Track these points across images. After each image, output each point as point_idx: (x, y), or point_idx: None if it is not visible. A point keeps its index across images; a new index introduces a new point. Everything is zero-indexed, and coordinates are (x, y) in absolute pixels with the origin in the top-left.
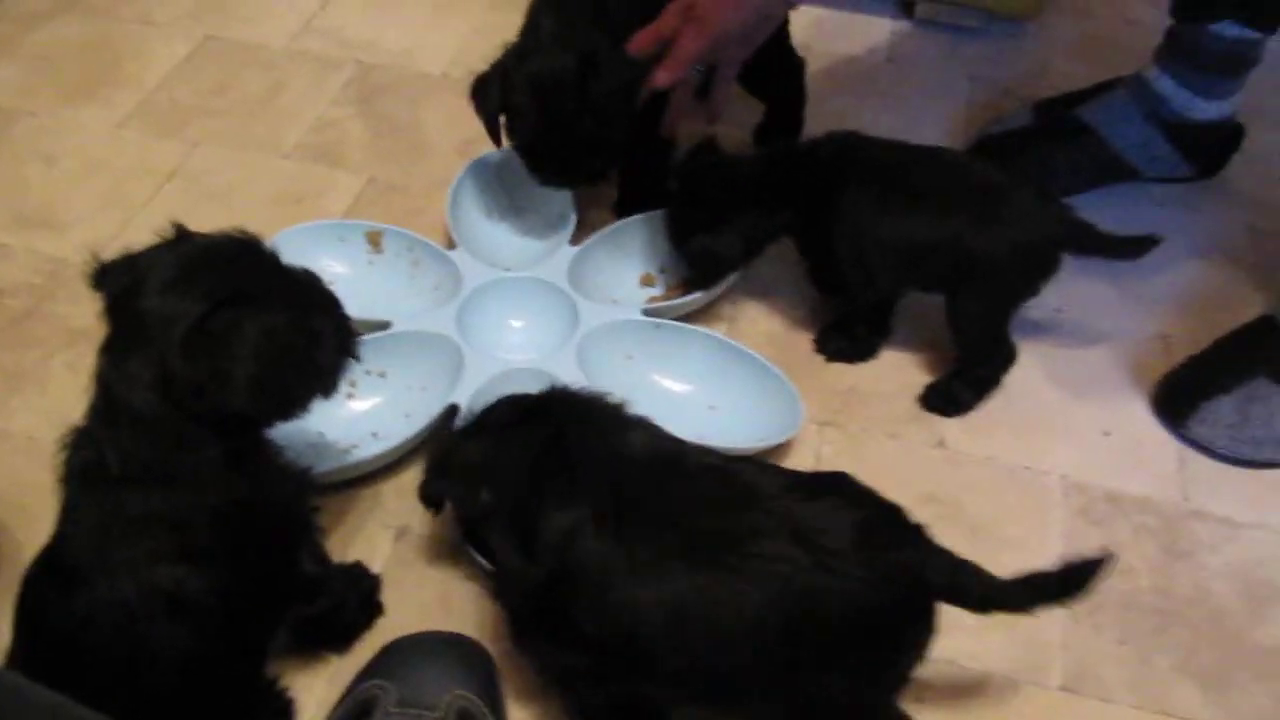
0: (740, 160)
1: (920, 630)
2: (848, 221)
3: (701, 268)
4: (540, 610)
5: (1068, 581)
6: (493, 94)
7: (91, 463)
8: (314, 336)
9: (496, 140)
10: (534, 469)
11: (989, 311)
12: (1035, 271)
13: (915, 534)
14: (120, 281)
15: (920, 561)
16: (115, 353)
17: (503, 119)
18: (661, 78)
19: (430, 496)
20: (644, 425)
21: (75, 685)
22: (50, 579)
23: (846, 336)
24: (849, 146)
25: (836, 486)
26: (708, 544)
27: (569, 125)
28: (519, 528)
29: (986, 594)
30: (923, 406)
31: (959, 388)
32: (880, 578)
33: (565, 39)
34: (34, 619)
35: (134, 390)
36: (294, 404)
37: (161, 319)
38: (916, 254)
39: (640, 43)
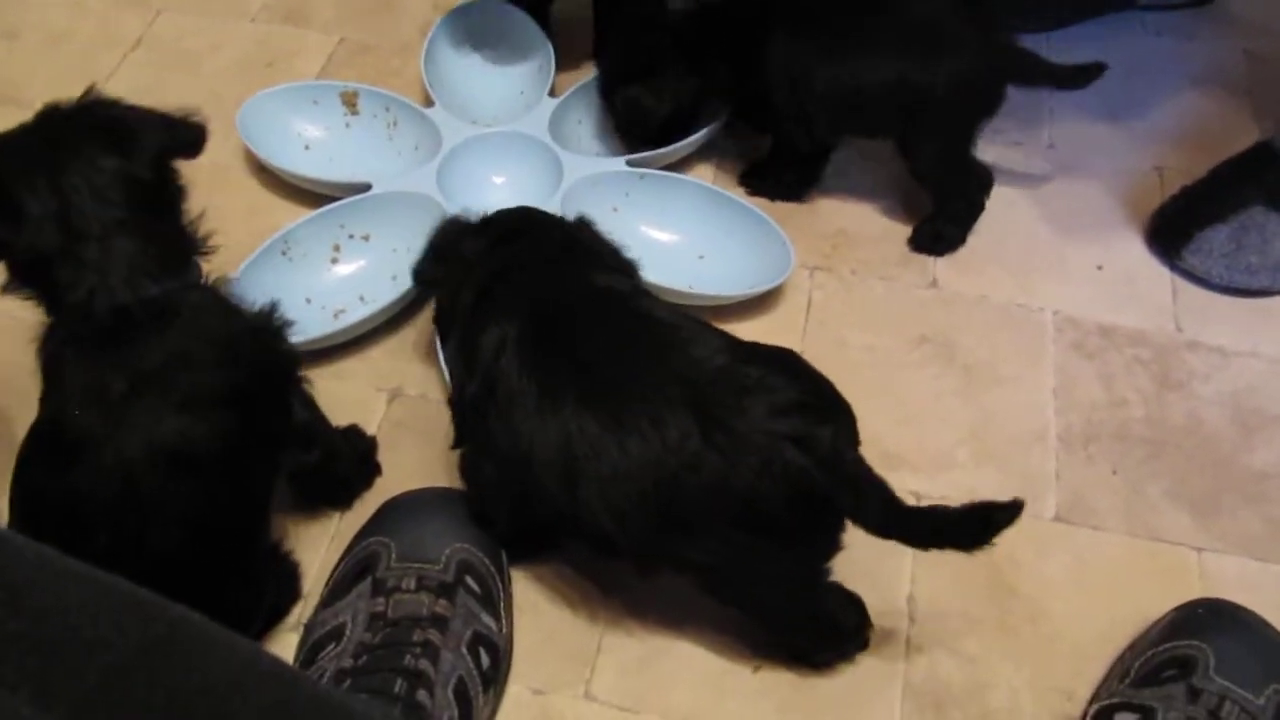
0: (672, 12)
1: (811, 530)
2: (781, 73)
3: (627, 119)
4: (471, 422)
5: (975, 526)
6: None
7: (83, 329)
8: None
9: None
10: (485, 289)
11: (944, 149)
12: (980, 104)
13: (836, 430)
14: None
15: (821, 465)
16: (51, 219)
17: None
18: None
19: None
20: (616, 270)
21: (79, 556)
22: (48, 457)
23: (773, 178)
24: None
25: (769, 361)
26: (603, 391)
27: (650, 129)
28: (467, 342)
29: (886, 521)
30: (912, 249)
31: (942, 224)
32: (768, 470)
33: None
34: (33, 497)
35: (97, 230)
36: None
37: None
38: (857, 99)
39: None
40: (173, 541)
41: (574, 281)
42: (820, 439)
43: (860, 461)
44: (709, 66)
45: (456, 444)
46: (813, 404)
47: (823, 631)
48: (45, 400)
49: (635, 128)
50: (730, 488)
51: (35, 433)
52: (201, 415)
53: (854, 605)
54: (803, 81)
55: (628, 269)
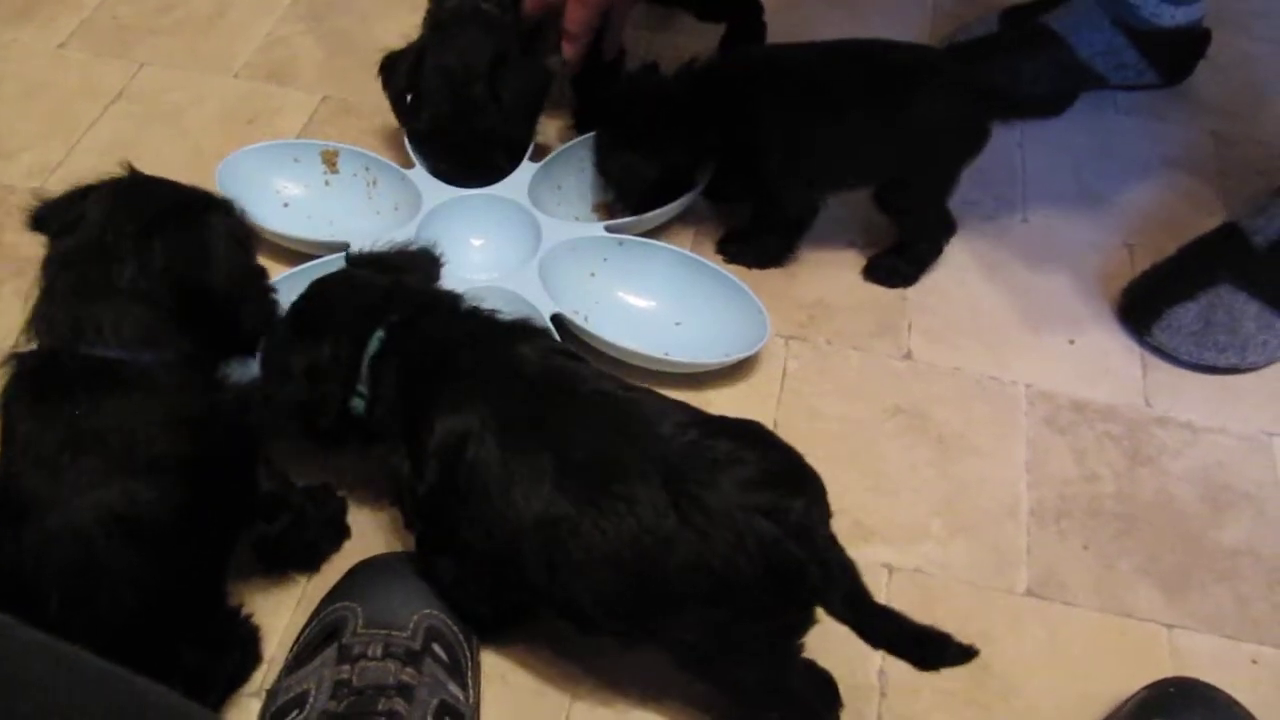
0: (663, 80)
1: (785, 605)
2: (777, 133)
3: (620, 185)
4: (427, 516)
5: (922, 647)
6: (401, 74)
7: (39, 374)
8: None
9: (401, 119)
10: (425, 374)
11: (926, 189)
12: (967, 143)
13: (806, 505)
14: (62, 217)
15: (794, 539)
16: (69, 260)
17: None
18: (567, 51)
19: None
20: (536, 338)
21: (29, 618)
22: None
23: (756, 244)
24: (758, 59)
25: (737, 434)
26: (577, 475)
27: (475, 121)
28: (408, 435)
29: (844, 605)
30: (865, 277)
31: (902, 262)
32: (741, 545)
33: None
34: None
35: (100, 285)
36: (250, 310)
37: (117, 223)
38: (851, 153)
39: (531, 6)
40: (124, 606)
41: (511, 361)
42: (792, 511)
43: (832, 539)
44: (701, 130)
45: (418, 545)
46: (783, 476)
47: (794, 710)
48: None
49: (629, 193)
50: (706, 564)
51: None
52: (150, 482)
53: (826, 684)
54: (801, 140)
55: (546, 334)
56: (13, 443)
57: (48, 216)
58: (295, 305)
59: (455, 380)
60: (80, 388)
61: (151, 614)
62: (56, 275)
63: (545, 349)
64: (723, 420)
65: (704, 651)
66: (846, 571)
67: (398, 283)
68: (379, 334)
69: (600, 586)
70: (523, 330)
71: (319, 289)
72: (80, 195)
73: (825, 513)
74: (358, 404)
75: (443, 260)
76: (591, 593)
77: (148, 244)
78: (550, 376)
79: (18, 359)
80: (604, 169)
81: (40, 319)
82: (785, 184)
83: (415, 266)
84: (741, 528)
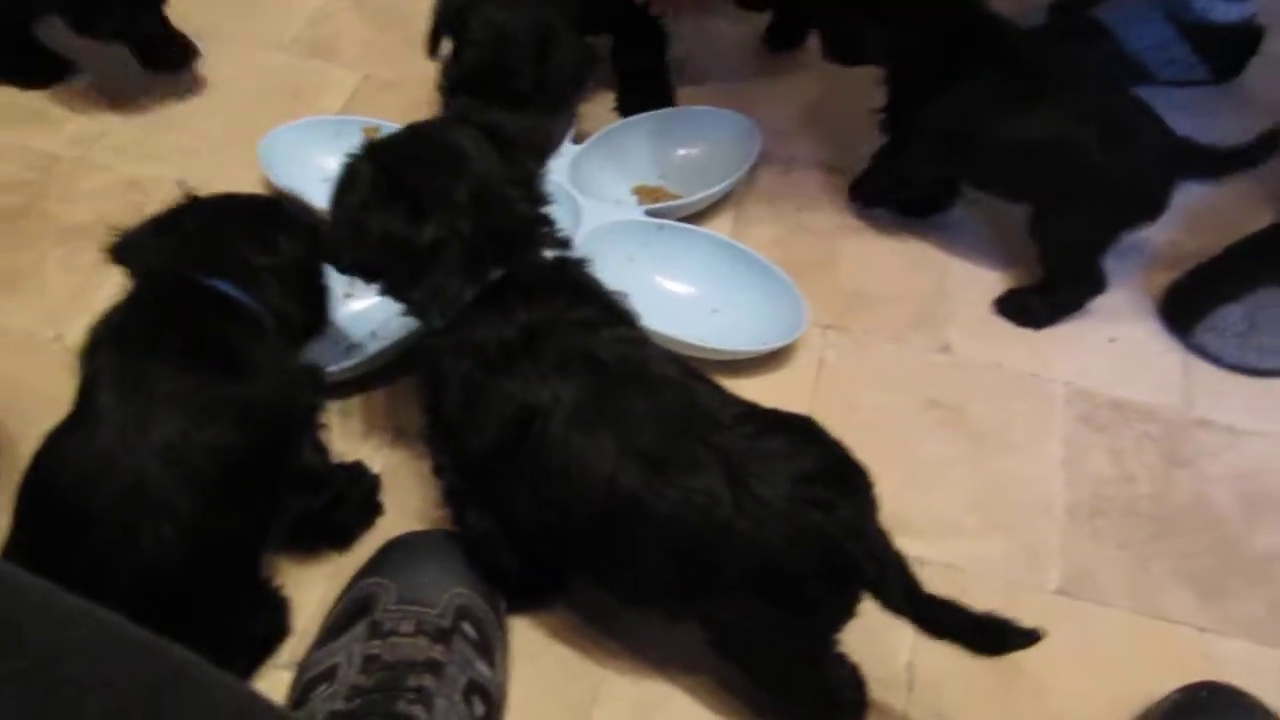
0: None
1: (832, 598)
2: (954, 106)
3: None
4: (474, 474)
5: (983, 635)
6: (451, 11)
7: (123, 327)
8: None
9: (432, 49)
10: (503, 341)
11: (1094, 234)
12: (1153, 199)
13: (857, 501)
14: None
15: (846, 534)
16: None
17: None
18: None
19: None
20: (620, 325)
21: (77, 543)
22: (71, 425)
23: (874, 173)
24: (977, 20)
25: (791, 428)
26: (640, 458)
27: (508, 79)
28: (472, 393)
29: (903, 598)
30: (995, 310)
31: (1039, 302)
32: (797, 538)
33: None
34: (50, 464)
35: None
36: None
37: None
38: (1026, 157)
39: None
40: (165, 546)
41: (590, 344)
42: (846, 506)
43: (883, 534)
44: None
45: (448, 496)
46: (836, 472)
47: (822, 701)
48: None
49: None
50: (761, 554)
51: (58, 435)
52: (207, 426)
53: (854, 679)
54: (977, 124)
55: (632, 321)
56: (90, 388)
57: (128, 256)
58: (399, 149)
59: (535, 355)
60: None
61: (189, 563)
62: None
63: (623, 337)
64: (776, 414)
65: (745, 637)
66: (899, 567)
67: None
68: (498, 274)
69: (653, 567)
70: (616, 315)
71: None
72: (153, 230)
73: (875, 508)
74: (435, 320)
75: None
76: (644, 572)
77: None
78: (624, 362)
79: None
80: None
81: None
82: (936, 158)
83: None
84: (798, 521)
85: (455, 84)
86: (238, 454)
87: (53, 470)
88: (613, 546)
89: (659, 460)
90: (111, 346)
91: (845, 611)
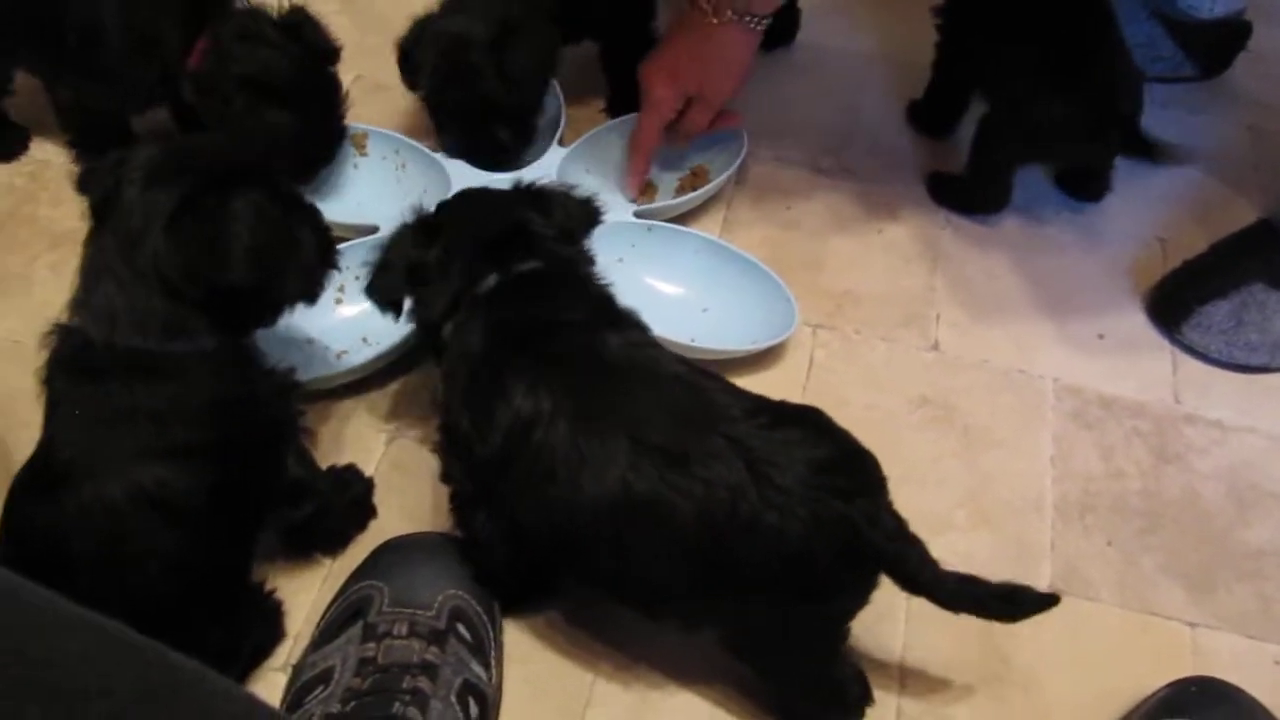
0: None
1: (852, 584)
2: (1007, 83)
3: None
4: (479, 478)
5: (1005, 603)
6: (406, 38)
7: (77, 356)
8: (300, 211)
9: (409, 84)
10: (503, 346)
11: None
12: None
13: (872, 488)
14: (104, 182)
15: (866, 520)
16: (103, 244)
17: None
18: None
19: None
20: (629, 329)
21: (62, 588)
22: (38, 483)
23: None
24: None
25: (803, 420)
26: (655, 457)
27: (469, 86)
28: (479, 398)
29: (922, 578)
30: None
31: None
32: (819, 525)
33: (490, 5)
34: (22, 524)
35: (127, 274)
36: (285, 287)
37: (148, 205)
38: (1070, 132)
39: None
40: (152, 580)
41: (595, 346)
42: (862, 494)
43: (898, 516)
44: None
45: (455, 507)
46: (850, 461)
47: (830, 699)
48: (45, 423)
49: None
50: (784, 543)
51: (34, 456)
52: (180, 466)
53: (859, 676)
54: (1029, 104)
55: (634, 319)
56: (53, 418)
57: (91, 183)
58: (440, 204)
59: (538, 359)
60: (113, 375)
61: (177, 589)
62: (90, 259)
63: (632, 341)
64: (786, 406)
65: (762, 634)
66: (917, 547)
67: (530, 223)
68: (493, 279)
69: (673, 566)
70: (622, 319)
71: (463, 199)
72: (120, 161)
73: (887, 495)
74: (448, 331)
75: (598, 211)
76: (663, 573)
77: (172, 234)
78: (631, 363)
79: (60, 335)
80: None
81: (78, 304)
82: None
83: (564, 207)
84: (821, 510)
85: (429, 102)
86: (210, 487)
87: (25, 533)
88: (628, 552)
89: (679, 455)
90: (66, 374)
91: (863, 597)
